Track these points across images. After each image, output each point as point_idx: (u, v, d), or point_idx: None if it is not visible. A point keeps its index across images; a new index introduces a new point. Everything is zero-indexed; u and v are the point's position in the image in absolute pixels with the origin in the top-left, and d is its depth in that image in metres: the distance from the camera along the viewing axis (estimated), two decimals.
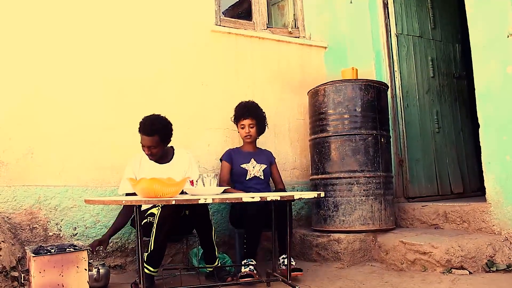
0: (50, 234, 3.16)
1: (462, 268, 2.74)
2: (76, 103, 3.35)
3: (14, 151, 3.14)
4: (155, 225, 2.68)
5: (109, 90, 3.47)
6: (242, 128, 3.42)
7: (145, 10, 3.67)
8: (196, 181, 2.54)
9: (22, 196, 3.11)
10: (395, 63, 4.15)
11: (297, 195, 2.32)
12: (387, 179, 3.54)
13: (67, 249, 2.34)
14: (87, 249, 2.32)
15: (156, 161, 3.08)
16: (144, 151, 3.02)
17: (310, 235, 3.58)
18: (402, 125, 4.07)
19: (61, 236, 3.18)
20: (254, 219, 2.89)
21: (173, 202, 2.07)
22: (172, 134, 3.09)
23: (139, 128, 3.00)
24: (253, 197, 2.18)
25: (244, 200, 2.17)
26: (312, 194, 2.38)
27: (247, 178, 3.37)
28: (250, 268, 2.78)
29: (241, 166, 3.39)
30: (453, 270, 2.74)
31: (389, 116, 3.89)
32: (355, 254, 3.30)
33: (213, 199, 2.11)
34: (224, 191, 3.08)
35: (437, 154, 4.23)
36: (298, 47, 4.33)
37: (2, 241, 2.80)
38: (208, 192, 2.49)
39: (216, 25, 3.97)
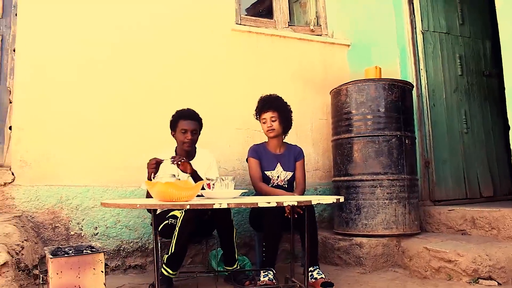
0: (72, 233, 3.19)
1: (490, 278, 2.62)
2: (97, 104, 3.38)
3: (37, 151, 3.19)
4: (177, 228, 2.65)
5: (129, 90, 3.48)
6: (264, 122, 3.18)
7: (165, 10, 3.66)
8: (213, 184, 2.50)
9: (44, 195, 3.16)
10: (421, 61, 4.01)
11: (314, 200, 2.25)
12: (412, 182, 3.43)
13: (84, 250, 2.34)
14: (103, 251, 2.32)
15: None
16: (183, 138, 2.99)
17: (332, 238, 3.51)
18: (428, 125, 3.94)
19: (82, 235, 3.21)
20: (272, 227, 2.81)
21: (188, 207, 2.04)
22: (202, 128, 3.13)
23: (178, 116, 3.04)
24: (269, 202, 2.12)
25: (260, 205, 2.11)
26: (330, 199, 2.31)
27: (270, 186, 3.18)
28: (269, 278, 2.72)
29: (266, 172, 3.19)
30: (480, 281, 2.62)
31: (415, 116, 3.78)
32: (377, 259, 3.21)
33: (228, 204, 2.07)
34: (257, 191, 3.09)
35: (465, 155, 4.08)
36: (320, 45, 4.24)
37: (25, 239, 2.84)
38: (226, 195, 2.45)
39: (237, 24, 3.93)
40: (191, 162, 3.04)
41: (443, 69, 4.11)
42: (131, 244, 3.29)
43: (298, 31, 4.24)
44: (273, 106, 3.16)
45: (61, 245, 3.11)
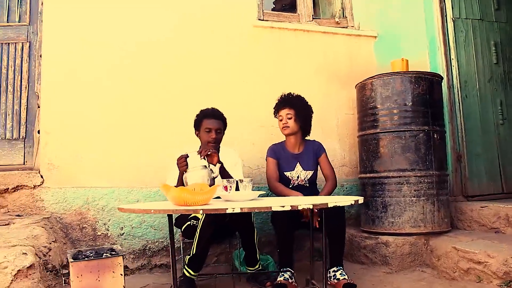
0: (99, 233, 3.27)
1: None
2: (120, 106, 3.43)
3: (64, 155, 3.29)
4: (198, 230, 2.67)
5: (152, 91, 3.52)
6: (280, 120, 3.13)
7: (186, 9, 3.67)
8: (230, 186, 2.49)
9: (72, 197, 3.25)
10: (452, 50, 3.84)
11: (331, 202, 2.19)
12: (441, 178, 3.29)
13: (104, 254, 2.39)
14: (122, 255, 2.36)
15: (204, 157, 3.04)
16: (207, 138, 2.98)
17: (359, 236, 3.44)
18: (460, 118, 3.77)
19: (108, 235, 3.29)
20: (282, 228, 2.77)
21: (200, 212, 2.04)
22: (226, 127, 3.13)
23: (202, 115, 3.05)
24: (283, 206, 2.09)
25: (274, 209, 2.08)
26: (348, 201, 2.24)
27: (290, 186, 3.13)
28: (284, 277, 2.70)
29: (285, 173, 3.13)
30: None
31: (445, 109, 3.63)
32: (404, 258, 3.12)
33: (241, 209, 2.05)
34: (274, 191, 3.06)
35: (501, 148, 3.89)
36: (345, 38, 4.13)
37: (53, 241, 2.94)
38: (243, 197, 2.43)
39: (259, 19, 3.89)
40: None
41: (476, 58, 3.92)
42: (157, 243, 3.35)
43: (322, 24, 4.14)
44: (290, 104, 3.12)
45: (89, 245, 3.22)
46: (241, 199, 2.42)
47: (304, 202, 2.21)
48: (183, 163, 2.70)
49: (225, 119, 3.12)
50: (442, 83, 3.55)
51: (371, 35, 4.18)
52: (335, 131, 3.99)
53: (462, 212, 3.43)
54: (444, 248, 2.92)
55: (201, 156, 2.71)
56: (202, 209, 2.06)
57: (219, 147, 3.13)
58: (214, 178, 2.66)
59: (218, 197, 2.57)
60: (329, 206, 2.17)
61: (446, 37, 3.87)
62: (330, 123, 3.98)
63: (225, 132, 3.12)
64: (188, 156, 2.73)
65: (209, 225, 2.60)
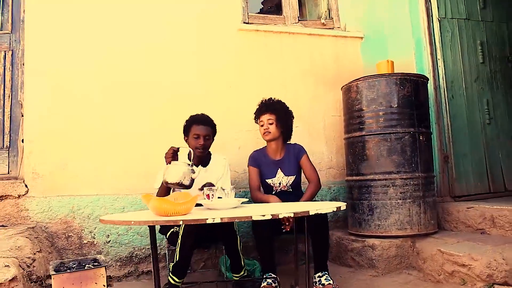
0: (85, 242, 3.26)
1: (506, 284, 2.47)
2: (106, 113, 3.41)
3: (49, 163, 3.27)
4: (179, 238, 2.67)
5: (139, 97, 3.49)
6: (261, 125, 3.11)
7: (168, 12, 3.64)
8: (212, 194, 2.48)
9: (57, 206, 3.24)
10: (438, 51, 3.84)
11: (312, 209, 2.18)
12: (427, 180, 3.29)
13: (87, 265, 2.38)
14: (105, 266, 2.35)
15: (195, 164, 3.03)
16: (195, 144, 2.95)
17: (346, 239, 3.44)
18: (447, 118, 3.77)
19: (95, 243, 3.27)
20: (262, 233, 2.76)
21: (181, 223, 2.03)
22: (216, 133, 3.12)
23: (191, 121, 3.03)
24: (263, 215, 2.08)
25: (254, 218, 2.07)
26: (330, 208, 2.24)
27: (274, 193, 3.14)
28: (268, 282, 2.71)
29: (267, 180, 3.14)
30: (496, 286, 2.49)
31: (432, 110, 3.63)
32: (390, 261, 3.12)
33: (221, 218, 2.03)
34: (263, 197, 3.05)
35: (488, 147, 3.89)
36: (332, 39, 4.12)
37: (37, 251, 2.93)
38: (225, 205, 2.43)
39: (244, 23, 3.87)
40: (205, 168, 3.05)
41: (462, 57, 3.92)
42: (143, 250, 3.34)
43: (308, 26, 4.12)
44: (271, 109, 3.10)
45: (76, 253, 3.20)
46: (223, 207, 2.41)
47: (285, 210, 2.20)
48: (169, 155, 2.68)
49: (215, 125, 3.10)
50: (428, 84, 3.55)
51: (357, 36, 4.17)
52: (322, 133, 3.98)
53: (449, 213, 3.43)
54: (430, 251, 2.93)
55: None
56: (182, 220, 2.05)
57: (210, 153, 3.11)
58: (193, 179, 2.62)
59: (201, 205, 2.56)
60: (310, 213, 2.17)
61: (432, 37, 3.86)
62: (317, 125, 3.97)
63: None
64: (178, 150, 2.71)
65: (190, 234, 2.60)
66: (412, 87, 3.32)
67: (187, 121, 3.09)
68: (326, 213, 2.87)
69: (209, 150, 3.12)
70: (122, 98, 3.46)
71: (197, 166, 2.99)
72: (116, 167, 3.37)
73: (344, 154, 3.79)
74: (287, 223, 2.88)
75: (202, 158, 3.05)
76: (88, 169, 3.32)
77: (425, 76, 3.50)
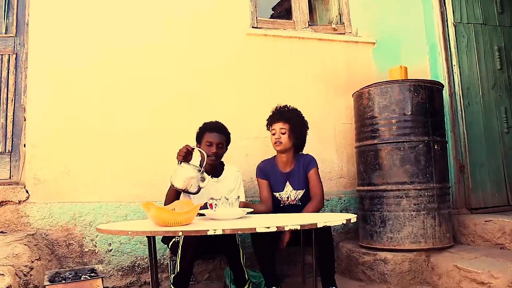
0: (86, 250, 3.16)
1: None
2: (110, 116, 3.33)
3: (50, 169, 3.19)
4: (179, 249, 2.55)
5: (143, 102, 3.41)
6: (273, 134, 2.93)
7: (173, 16, 3.56)
8: (215, 204, 2.37)
9: (58, 212, 3.15)
10: (453, 56, 3.70)
11: (321, 221, 2.06)
12: (443, 191, 3.14)
13: (83, 276, 2.28)
14: (102, 277, 2.25)
15: (207, 173, 2.91)
16: (207, 151, 2.78)
17: (357, 252, 3.29)
18: (463, 126, 3.62)
19: (96, 252, 3.17)
20: (261, 245, 2.62)
21: (180, 234, 1.92)
22: (229, 143, 3.01)
23: (204, 128, 2.93)
24: (268, 227, 1.96)
25: (258, 230, 1.96)
26: (339, 220, 2.11)
27: (281, 205, 3.01)
28: None
29: (275, 194, 2.99)
30: None
31: (447, 117, 3.49)
32: (403, 276, 2.97)
33: (223, 230, 1.92)
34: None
35: (506, 157, 3.72)
36: (343, 44, 4.00)
37: (36, 259, 2.84)
38: (228, 216, 2.31)
39: (253, 27, 3.77)
40: (217, 178, 2.93)
41: (479, 63, 3.78)
42: (146, 260, 3.23)
43: (319, 30, 4.01)
44: (285, 117, 2.92)
45: (76, 262, 3.11)
46: (227, 218, 2.30)
47: (291, 222, 2.08)
48: (182, 153, 2.53)
49: (229, 133, 2.99)
50: (444, 91, 3.42)
51: (369, 42, 4.05)
52: (332, 141, 3.85)
53: (465, 226, 3.27)
54: (446, 266, 2.77)
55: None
56: (182, 231, 1.94)
57: (223, 163, 3.00)
58: (200, 187, 2.50)
59: (203, 214, 2.45)
60: (318, 226, 2.05)
61: (447, 43, 3.73)
62: (328, 133, 3.84)
63: None
64: (193, 150, 2.58)
65: (190, 244, 2.48)
66: (426, 94, 3.19)
67: (200, 128, 2.98)
68: (329, 229, 2.74)
69: (222, 160, 3.01)
70: (126, 104, 3.38)
71: (209, 176, 2.88)
72: (119, 174, 3.28)
73: (355, 163, 3.66)
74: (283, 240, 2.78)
75: (214, 167, 2.92)
76: (90, 175, 3.23)
77: (440, 82, 3.37)
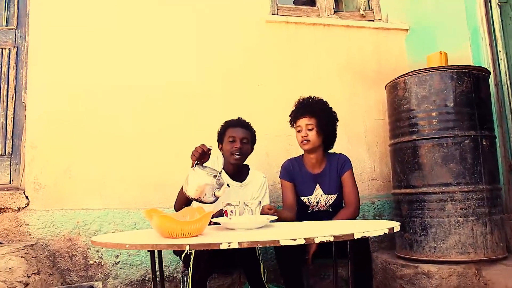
0: (91, 262, 2.86)
1: None
2: (116, 115, 3.04)
3: (51, 172, 2.91)
4: (191, 262, 2.22)
5: (152, 97, 3.11)
6: (299, 131, 2.54)
7: (190, 5, 3.24)
8: (231, 211, 2.02)
9: (60, 221, 2.86)
10: (499, 41, 3.30)
11: (358, 232, 1.69)
12: (493, 193, 2.73)
13: None
14: None
15: (230, 177, 2.58)
16: (230, 148, 2.49)
17: (394, 263, 2.90)
18: (511, 120, 3.20)
19: (102, 264, 2.87)
20: (287, 259, 2.25)
21: (187, 248, 1.58)
22: (255, 143, 2.67)
23: (226, 125, 2.61)
24: (294, 239, 1.61)
25: (282, 243, 1.60)
26: (381, 229, 1.74)
27: (309, 211, 2.63)
28: None
29: (302, 198, 2.60)
30: None
31: (493, 110, 3.06)
32: None
33: (239, 243, 1.58)
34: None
35: None
36: (372, 31, 3.62)
37: (34, 273, 2.55)
38: (247, 225, 1.96)
39: (272, 14, 3.42)
40: (241, 183, 2.58)
41: None
42: (157, 273, 2.89)
43: (345, 17, 3.64)
44: (310, 111, 2.52)
45: (80, 275, 2.81)
46: (245, 228, 1.95)
47: (321, 232, 1.71)
48: (197, 154, 2.13)
49: (254, 131, 2.65)
50: (489, 79, 3.00)
51: (401, 28, 3.65)
52: (363, 139, 3.47)
53: None
54: (503, 283, 2.36)
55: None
56: (189, 244, 1.59)
57: (249, 168, 2.66)
58: (216, 196, 2.12)
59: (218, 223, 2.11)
60: (355, 237, 1.68)
61: (491, 26, 3.34)
62: (357, 129, 3.46)
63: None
64: (209, 151, 2.18)
65: (203, 257, 2.14)
66: (471, 82, 2.79)
67: (221, 126, 2.64)
68: (367, 240, 2.36)
69: (247, 164, 2.66)
70: (133, 102, 3.08)
71: (232, 180, 2.55)
72: (127, 177, 2.98)
73: (389, 163, 3.28)
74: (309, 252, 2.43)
75: (238, 170, 2.58)
76: (95, 179, 2.94)
77: (486, 69, 2.96)
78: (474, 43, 3.34)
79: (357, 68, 3.51)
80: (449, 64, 3.12)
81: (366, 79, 3.52)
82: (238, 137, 2.52)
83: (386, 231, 1.75)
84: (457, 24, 3.44)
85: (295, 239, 1.60)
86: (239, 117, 2.66)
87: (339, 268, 3.15)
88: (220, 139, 2.62)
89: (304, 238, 1.61)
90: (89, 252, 2.86)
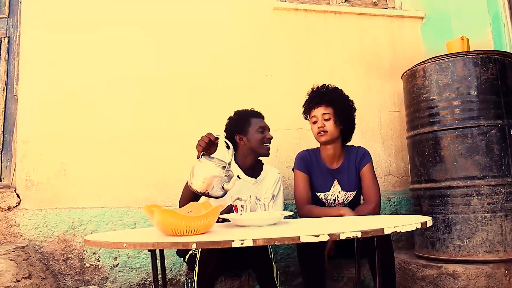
0: (87, 265, 2.65)
1: None
2: (114, 109, 2.83)
3: (45, 168, 2.71)
4: (197, 263, 2.01)
5: (152, 89, 2.91)
6: (314, 122, 2.32)
7: None
8: (242, 206, 1.81)
9: (54, 220, 2.65)
10: None
11: (389, 226, 1.49)
12: None
13: None
14: None
15: (244, 172, 2.38)
16: (262, 139, 2.34)
17: (413, 264, 2.69)
18: None
19: (99, 267, 2.66)
20: (310, 257, 2.05)
21: (193, 246, 1.37)
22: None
23: (246, 115, 2.43)
24: (317, 235, 1.40)
25: (303, 240, 1.40)
26: (413, 224, 1.54)
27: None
28: None
29: (318, 194, 2.37)
30: None
31: None
32: None
33: (253, 241, 1.37)
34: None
35: None
36: (386, 20, 3.42)
37: (25, 277, 2.35)
38: (259, 221, 1.76)
39: (280, 1, 3.24)
40: (255, 179, 2.39)
41: None
42: (159, 276, 2.68)
43: (357, 5, 3.45)
44: (327, 100, 2.30)
45: (76, 279, 2.61)
46: (258, 225, 1.74)
47: (347, 227, 1.51)
48: (203, 144, 1.93)
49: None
50: None
51: (417, 16, 3.45)
52: (377, 132, 3.26)
53: None
54: None
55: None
56: (196, 242, 1.39)
57: (262, 163, 2.48)
58: (225, 189, 1.89)
59: (227, 220, 1.90)
60: (386, 232, 1.47)
61: None
62: (372, 122, 3.26)
63: None
64: (217, 140, 1.97)
65: (211, 258, 1.94)
66: (497, 68, 2.59)
67: (239, 115, 2.43)
68: (390, 237, 2.16)
69: (260, 158, 2.47)
70: (133, 93, 2.89)
71: (246, 175, 2.35)
72: (126, 174, 2.78)
73: (405, 157, 3.09)
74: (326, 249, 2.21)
75: (251, 165, 2.39)
76: (92, 176, 2.74)
77: (511, 54, 2.75)
78: (496, 30, 3.15)
79: (371, 58, 3.32)
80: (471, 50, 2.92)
81: (381, 70, 3.32)
82: (266, 128, 2.39)
83: (419, 226, 1.55)
84: (477, 10, 3.25)
85: (317, 235, 1.40)
86: (252, 108, 2.48)
87: (354, 269, 2.95)
88: (241, 129, 2.38)
89: (328, 234, 1.41)
90: (85, 254, 2.65)
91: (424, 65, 2.72)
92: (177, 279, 2.73)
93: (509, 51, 3.00)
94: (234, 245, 1.36)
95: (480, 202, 2.47)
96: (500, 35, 3.11)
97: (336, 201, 2.37)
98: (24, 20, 2.88)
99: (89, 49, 2.87)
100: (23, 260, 2.40)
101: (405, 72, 2.90)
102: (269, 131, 2.40)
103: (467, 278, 2.39)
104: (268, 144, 2.36)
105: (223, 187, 1.87)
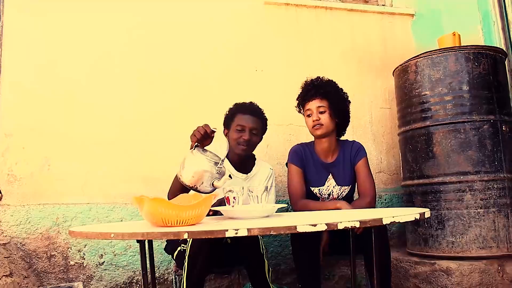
0: (72, 263, 2.56)
1: None
2: (100, 102, 2.75)
3: (28, 162, 2.61)
4: (186, 258, 1.94)
5: (141, 83, 2.83)
6: (309, 115, 2.27)
7: None
8: (234, 197, 1.75)
9: (37, 217, 2.55)
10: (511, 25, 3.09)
11: (387, 217, 1.45)
12: None
13: None
14: None
15: (234, 167, 2.31)
16: (237, 138, 2.24)
17: (406, 261, 2.66)
18: None
19: (84, 265, 2.57)
20: (307, 254, 1.99)
21: (185, 236, 1.31)
22: (265, 132, 2.40)
23: (235, 109, 2.33)
24: (314, 225, 1.35)
25: (300, 229, 1.35)
26: (412, 214, 1.50)
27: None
28: None
29: (312, 189, 2.31)
30: None
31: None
32: None
33: (248, 230, 1.31)
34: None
35: None
36: (377, 16, 3.41)
37: (5, 275, 2.25)
38: (252, 213, 1.70)
39: None
40: (246, 175, 2.32)
41: None
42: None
43: (348, 1, 3.42)
44: (321, 92, 2.25)
45: (59, 278, 2.51)
46: (251, 217, 1.68)
47: (346, 218, 1.46)
48: (198, 134, 1.84)
49: (266, 119, 2.39)
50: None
51: (407, 13, 3.45)
52: (368, 129, 3.23)
53: None
54: None
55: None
56: (188, 232, 1.32)
57: (255, 158, 2.41)
58: (214, 186, 1.79)
59: (219, 213, 1.84)
60: (384, 222, 1.43)
61: (503, 10, 3.12)
62: (362, 119, 3.23)
63: None
64: (213, 133, 1.88)
65: (200, 251, 1.87)
66: (489, 64, 2.59)
67: (230, 109, 2.36)
68: (386, 231, 2.12)
69: (254, 153, 2.39)
70: (122, 87, 2.81)
71: (237, 171, 2.29)
72: (113, 170, 2.69)
73: (396, 154, 3.07)
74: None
75: (242, 161, 2.32)
76: (77, 171, 2.65)
77: (503, 50, 2.77)
78: (486, 28, 3.14)
79: (362, 55, 3.30)
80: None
81: (372, 66, 3.30)
82: (247, 127, 2.25)
83: (417, 216, 1.51)
84: (467, 8, 3.24)
85: (315, 225, 1.35)
86: (251, 102, 2.38)
87: (345, 268, 2.92)
88: (227, 125, 2.33)
89: (326, 224, 1.36)
90: (69, 251, 2.56)
91: (416, 60, 2.70)
92: (165, 277, 2.65)
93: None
94: (228, 234, 1.30)
95: (473, 198, 2.46)
96: (490, 33, 3.11)
97: (331, 196, 2.32)
98: (7, 9, 2.77)
99: (75, 39, 2.79)
100: (4, 257, 2.30)
101: (397, 68, 2.88)
102: (251, 131, 2.26)
103: (460, 275, 2.37)
104: (242, 146, 2.24)
105: (212, 184, 1.80)
